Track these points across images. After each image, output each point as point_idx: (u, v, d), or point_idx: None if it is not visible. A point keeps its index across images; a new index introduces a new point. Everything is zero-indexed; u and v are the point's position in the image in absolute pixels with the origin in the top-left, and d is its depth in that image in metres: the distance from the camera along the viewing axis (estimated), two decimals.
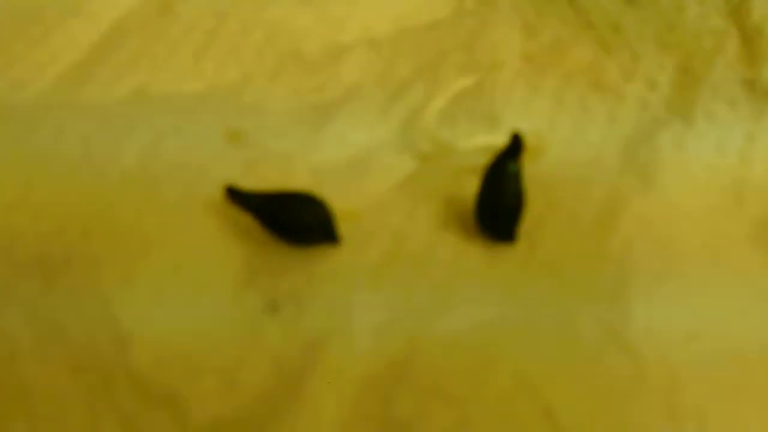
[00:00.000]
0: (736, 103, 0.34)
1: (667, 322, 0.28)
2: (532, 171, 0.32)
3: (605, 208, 0.31)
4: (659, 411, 0.26)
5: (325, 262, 0.30)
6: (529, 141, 0.32)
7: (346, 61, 0.36)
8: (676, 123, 0.34)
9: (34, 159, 0.32)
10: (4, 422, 0.26)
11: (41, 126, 0.33)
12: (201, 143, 0.33)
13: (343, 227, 0.30)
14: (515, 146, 0.30)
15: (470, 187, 0.31)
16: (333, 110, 0.34)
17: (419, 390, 0.27)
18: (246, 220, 0.30)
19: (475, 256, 0.30)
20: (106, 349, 0.27)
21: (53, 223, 0.30)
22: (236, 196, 0.30)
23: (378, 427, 0.26)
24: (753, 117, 0.34)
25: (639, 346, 0.27)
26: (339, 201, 0.31)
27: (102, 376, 0.27)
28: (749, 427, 0.26)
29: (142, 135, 0.33)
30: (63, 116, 0.34)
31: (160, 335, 0.27)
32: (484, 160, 0.32)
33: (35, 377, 0.27)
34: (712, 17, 0.37)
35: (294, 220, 0.29)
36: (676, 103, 0.34)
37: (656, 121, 0.34)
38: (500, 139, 0.33)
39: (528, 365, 0.27)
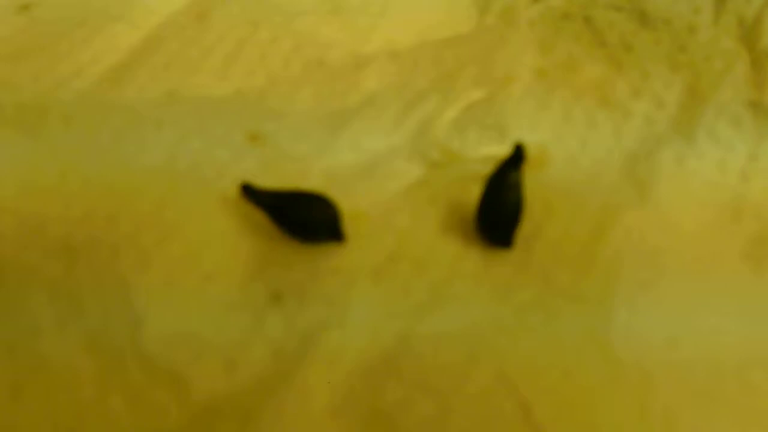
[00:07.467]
0: (740, 123, 0.35)
1: (647, 328, 0.29)
2: (534, 181, 0.33)
3: (600, 219, 0.32)
4: (632, 412, 0.27)
5: (329, 259, 0.31)
6: (534, 152, 0.34)
7: (367, 71, 0.38)
8: (679, 141, 0.35)
9: (70, 151, 0.34)
10: (21, 391, 0.28)
11: (78, 122, 0.36)
12: (223, 143, 0.35)
13: (349, 227, 0.32)
14: (517, 156, 0.31)
15: (473, 194, 0.33)
16: (350, 116, 0.36)
17: (406, 382, 0.28)
18: (258, 216, 0.32)
19: (472, 259, 0.31)
20: (120, 329, 0.29)
21: (81, 210, 0.32)
22: (250, 192, 0.32)
23: (365, 414, 0.28)
24: (756, 137, 0.35)
25: (617, 350, 0.28)
26: (348, 202, 0.32)
27: (114, 354, 0.29)
28: None
29: (169, 134, 0.35)
30: (99, 114, 0.36)
31: (171, 318, 0.29)
32: (488, 169, 0.33)
33: (53, 352, 0.29)
34: (723, 40, 0.38)
35: (303, 217, 0.31)
36: (681, 122, 0.35)
37: (659, 139, 0.35)
38: (507, 150, 0.34)
39: (510, 364, 0.28)
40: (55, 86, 0.37)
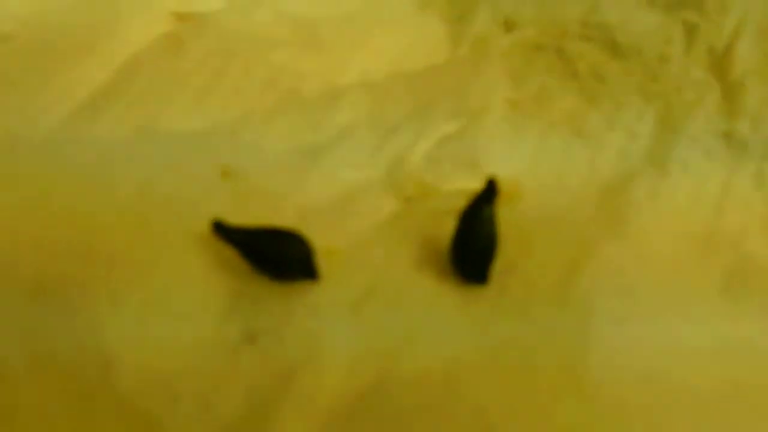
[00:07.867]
0: (713, 154, 0.35)
1: (623, 364, 0.29)
2: (509, 215, 0.33)
3: (575, 253, 0.32)
4: None
5: (304, 297, 0.31)
6: (507, 186, 0.33)
7: (342, 103, 0.37)
8: (652, 172, 0.35)
9: (39, 189, 0.34)
10: None
11: (49, 160, 0.35)
12: (195, 179, 0.34)
13: (324, 264, 0.32)
14: (490, 190, 0.32)
15: (448, 228, 0.32)
16: (324, 150, 0.36)
17: (383, 422, 0.28)
18: (231, 253, 0.32)
19: (448, 296, 0.31)
20: (92, 370, 0.29)
21: (51, 249, 0.32)
22: (222, 230, 0.31)
23: None
24: (728, 168, 0.35)
25: (594, 385, 0.28)
26: (322, 239, 0.32)
27: (86, 398, 0.28)
28: None
29: (141, 169, 0.34)
30: (70, 151, 0.35)
31: (144, 360, 0.29)
32: (462, 203, 0.33)
33: (24, 397, 0.28)
34: (694, 69, 0.38)
35: (275, 255, 0.31)
36: (654, 153, 0.35)
37: (633, 170, 0.35)
38: (481, 183, 0.34)
39: (488, 402, 0.28)
40: (25, 124, 0.36)
